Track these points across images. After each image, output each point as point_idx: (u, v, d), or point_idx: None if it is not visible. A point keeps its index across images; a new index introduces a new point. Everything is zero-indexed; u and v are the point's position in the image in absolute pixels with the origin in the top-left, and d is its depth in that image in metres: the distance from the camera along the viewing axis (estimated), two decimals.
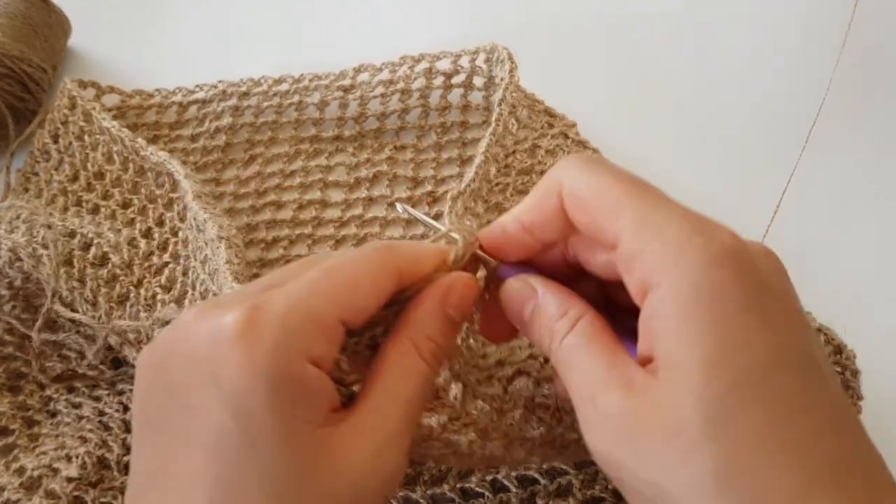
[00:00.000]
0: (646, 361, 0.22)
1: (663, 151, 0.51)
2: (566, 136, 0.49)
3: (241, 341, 0.20)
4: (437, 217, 0.47)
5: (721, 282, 0.20)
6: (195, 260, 0.40)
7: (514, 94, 0.47)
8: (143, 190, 0.46)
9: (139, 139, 0.47)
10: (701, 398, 0.20)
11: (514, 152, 0.47)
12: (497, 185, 0.46)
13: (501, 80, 0.48)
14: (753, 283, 0.21)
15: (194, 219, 0.41)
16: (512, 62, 0.48)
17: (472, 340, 0.29)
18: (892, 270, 0.45)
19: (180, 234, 0.43)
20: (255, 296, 0.22)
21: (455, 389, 0.27)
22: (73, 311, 0.38)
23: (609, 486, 0.36)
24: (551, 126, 0.50)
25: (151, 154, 0.46)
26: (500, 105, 0.46)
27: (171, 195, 0.45)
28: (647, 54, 0.57)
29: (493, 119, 0.46)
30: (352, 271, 0.23)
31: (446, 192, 0.49)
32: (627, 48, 0.57)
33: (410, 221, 0.48)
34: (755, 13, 0.59)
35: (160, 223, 0.44)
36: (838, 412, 0.21)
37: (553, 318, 0.24)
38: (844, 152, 0.50)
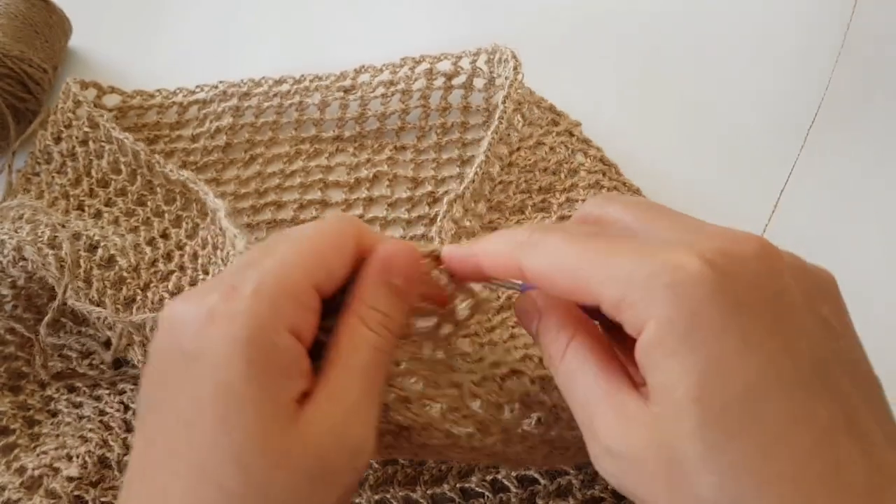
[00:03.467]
0: (641, 384, 0.22)
1: (664, 150, 0.51)
2: (571, 134, 0.49)
3: (220, 317, 0.22)
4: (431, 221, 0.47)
5: (693, 311, 0.20)
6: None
7: (519, 92, 0.48)
8: (149, 203, 0.46)
9: (157, 156, 0.47)
10: (690, 433, 0.20)
11: (518, 149, 0.47)
12: (500, 183, 0.46)
13: (505, 78, 0.48)
14: (729, 304, 0.20)
15: (225, 234, 0.41)
16: (516, 61, 0.49)
17: (468, 347, 0.30)
18: (891, 269, 0.45)
19: (187, 248, 0.43)
20: (232, 276, 0.23)
21: (451, 391, 0.27)
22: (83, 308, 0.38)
23: (609, 487, 0.36)
24: (556, 124, 0.50)
25: (171, 171, 0.45)
26: (503, 103, 0.46)
27: (179, 213, 0.45)
28: (648, 54, 0.57)
29: (496, 117, 0.46)
30: (317, 238, 0.24)
31: (446, 192, 0.49)
32: (628, 48, 0.57)
33: (410, 221, 0.48)
34: (756, 12, 0.59)
35: (164, 236, 0.44)
36: (840, 414, 0.20)
37: (551, 340, 0.25)
38: (843, 151, 0.50)
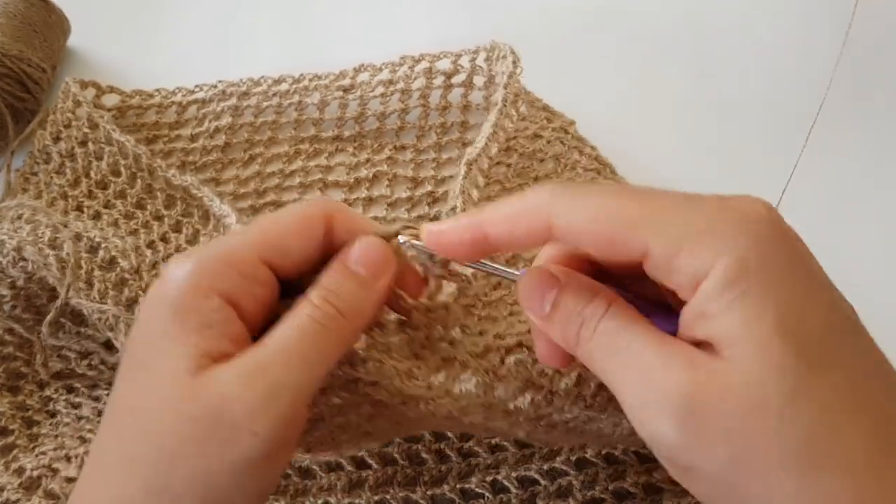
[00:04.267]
0: (692, 342, 0.21)
1: (664, 149, 0.51)
2: (566, 132, 0.49)
3: (163, 281, 0.24)
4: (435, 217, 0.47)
5: (765, 252, 0.20)
6: None
7: (516, 86, 0.47)
8: (148, 207, 0.46)
9: (159, 160, 0.46)
10: (777, 367, 0.19)
11: (515, 137, 0.47)
12: (498, 163, 0.46)
13: (503, 74, 0.48)
14: (793, 248, 0.21)
15: None
16: (515, 56, 0.48)
17: (468, 322, 0.29)
18: (892, 269, 0.45)
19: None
20: (196, 248, 0.24)
21: (439, 376, 0.26)
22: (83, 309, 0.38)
23: (609, 488, 0.35)
24: (550, 121, 0.50)
25: (173, 176, 0.45)
26: (505, 87, 0.46)
27: (179, 218, 0.45)
28: (649, 53, 0.57)
29: (500, 98, 0.45)
30: (277, 218, 0.25)
31: (446, 192, 0.49)
32: (628, 47, 0.57)
33: (410, 221, 0.48)
34: (756, 12, 0.59)
35: (164, 240, 0.44)
36: (891, 370, 0.21)
37: (581, 303, 0.23)
38: (845, 150, 0.50)
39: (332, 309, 0.24)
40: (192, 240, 0.44)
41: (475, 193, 0.40)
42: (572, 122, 0.50)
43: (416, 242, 0.26)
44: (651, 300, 0.24)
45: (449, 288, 0.27)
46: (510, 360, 0.27)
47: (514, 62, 0.48)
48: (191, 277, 0.24)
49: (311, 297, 0.24)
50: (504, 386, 0.27)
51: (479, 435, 0.37)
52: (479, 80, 0.52)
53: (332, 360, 0.25)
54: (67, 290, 0.36)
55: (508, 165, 0.46)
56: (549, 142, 0.48)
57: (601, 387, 0.26)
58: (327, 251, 0.26)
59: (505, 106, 0.45)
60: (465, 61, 0.52)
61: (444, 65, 0.52)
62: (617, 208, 0.22)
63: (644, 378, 0.21)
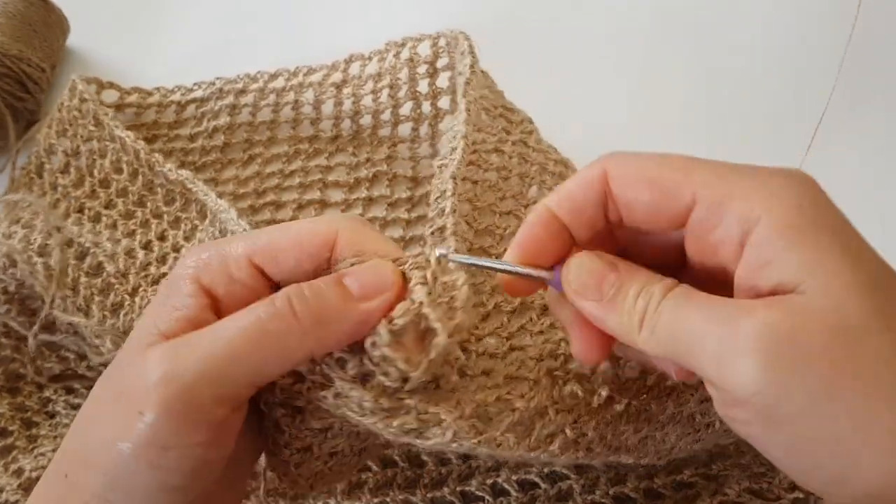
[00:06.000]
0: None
1: (666, 149, 0.50)
2: (525, 144, 0.45)
3: (180, 260, 0.26)
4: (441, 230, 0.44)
5: (820, 202, 0.21)
6: None
7: (472, 93, 0.44)
8: (148, 204, 0.46)
9: (157, 155, 0.46)
10: (856, 291, 0.20)
11: (475, 151, 0.42)
12: (463, 179, 0.40)
13: (460, 73, 0.46)
14: (836, 208, 0.22)
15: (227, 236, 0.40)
16: (473, 56, 0.46)
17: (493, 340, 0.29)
18: (893, 268, 0.45)
19: (183, 250, 0.42)
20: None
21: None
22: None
23: (609, 492, 0.35)
24: (508, 132, 0.46)
25: (169, 171, 0.45)
26: (465, 95, 0.43)
27: (178, 214, 0.45)
28: (649, 53, 0.56)
29: (464, 108, 0.43)
30: (283, 225, 0.26)
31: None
32: (628, 47, 0.57)
33: (410, 222, 0.48)
34: (759, 11, 0.59)
35: (162, 238, 0.43)
36: None
37: (646, 282, 0.23)
38: (849, 152, 0.50)
39: (288, 310, 0.23)
40: (190, 235, 0.43)
41: (466, 207, 0.38)
42: (530, 122, 0.47)
43: (460, 256, 0.25)
44: None
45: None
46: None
47: (471, 65, 0.45)
48: (186, 264, 0.25)
49: (277, 293, 0.23)
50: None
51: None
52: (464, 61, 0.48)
53: (270, 362, 0.23)
54: (52, 302, 0.36)
55: (475, 182, 0.41)
56: (510, 157, 0.43)
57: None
58: (331, 265, 0.25)
59: (469, 115, 0.42)
60: (443, 42, 0.50)
61: (425, 49, 0.50)
62: (668, 159, 0.23)
63: (721, 327, 0.21)
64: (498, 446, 0.25)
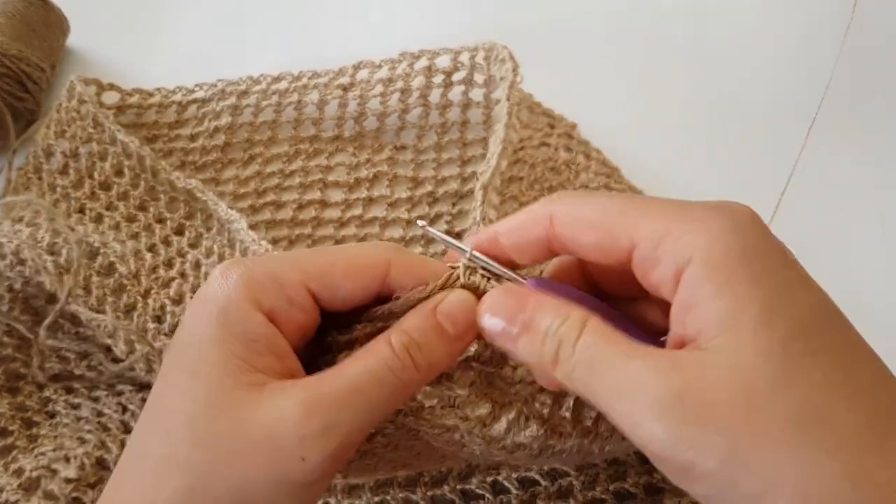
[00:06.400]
0: (680, 346, 0.22)
1: (666, 150, 0.51)
2: (570, 137, 0.48)
3: (209, 286, 0.25)
4: (458, 235, 0.46)
5: (752, 243, 0.21)
6: None
7: (516, 94, 0.47)
8: (150, 209, 0.45)
9: (163, 162, 0.46)
10: (765, 352, 0.19)
11: (522, 147, 0.47)
12: (510, 178, 0.46)
13: (502, 80, 0.48)
14: (774, 243, 0.21)
15: (235, 247, 0.41)
16: (513, 61, 0.48)
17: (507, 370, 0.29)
18: (892, 268, 0.45)
19: (189, 256, 0.42)
20: (244, 262, 0.25)
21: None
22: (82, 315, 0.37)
23: (610, 488, 0.35)
24: (552, 127, 0.49)
25: (177, 179, 0.45)
26: (508, 99, 0.45)
27: (182, 221, 0.45)
28: (649, 54, 0.57)
29: (506, 111, 0.45)
30: (333, 252, 0.26)
31: (446, 192, 0.49)
32: (628, 47, 0.57)
33: (410, 221, 0.48)
34: (756, 13, 0.59)
35: (166, 242, 0.43)
36: (880, 364, 0.21)
37: (556, 323, 0.23)
38: (845, 150, 0.50)
39: (411, 362, 0.24)
40: (195, 243, 0.43)
41: (493, 213, 0.39)
42: (574, 126, 0.50)
43: (488, 261, 0.26)
44: (642, 321, 0.25)
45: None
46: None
47: (513, 69, 0.47)
48: (239, 287, 0.24)
49: (393, 342, 0.24)
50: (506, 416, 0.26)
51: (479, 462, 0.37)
52: (479, 78, 0.51)
53: (394, 408, 0.25)
54: (68, 296, 0.36)
55: (521, 179, 0.46)
56: (556, 149, 0.47)
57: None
58: (381, 293, 0.26)
59: (510, 119, 0.44)
60: (464, 58, 0.51)
61: (444, 62, 0.51)
62: (609, 204, 0.23)
63: (630, 385, 0.21)
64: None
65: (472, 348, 0.27)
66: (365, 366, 0.24)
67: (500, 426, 0.26)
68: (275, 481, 0.23)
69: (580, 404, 0.27)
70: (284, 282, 0.24)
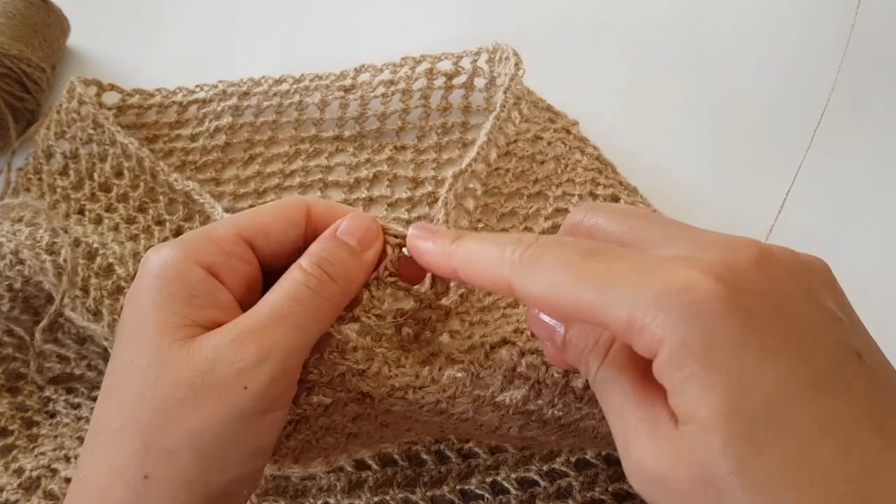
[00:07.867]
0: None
1: (667, 150, 0.51)
2: (568, 132, 0.49)
3: (144, 262, 0.26)
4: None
5: (710, 331, 0.20)
6: None
7: (518, 88, 0.47)
8: (150, 211, 0.46)
9: (162, 164, 0.46)
10: (720, 449, 0.19)
11: (515, 140, 0.47)
12: (496, 169, 0.46)
13: (505, 75, 0.48)
14: (740, 319, 0.20)
15: None
16: (517, 58, 0.48)
17: (457, 322, 0.30)
18: (895, 268, 0.45)
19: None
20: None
21: (428, 367, 0.27)
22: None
23: (609, 489, 0.35)
24: (553, 122, 0.49)
25: (175, 181, 0.45)
26: (505, 93, 0.46)
27: (181, 223, 0.45)
28: (649, 54, 0.57)
29: (498, 105, 0.46)
30: (257, 207, 0.28)
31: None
32: (630, 47, 0.57)
33: (410, 221, 0.48)
34: (759, 13, 0.59)
35: None
36: (863, 411, 0.20)
37: (585, 349, 0.24)
38: (850, 151, 0.50)
39: (324, 275, 0.25)
40: None
41: (470, 203, 0.40)
42: (575, 123, 0.50)
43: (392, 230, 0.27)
44: None
45: (453, 294, 0.28)
46: (495, 354, 0.28)
47: (516, 64, 0.48)
48: (175, 250, 0.25)
49: (303, 264, 0.25)
50: (490, 373, 0.27)
51: (474, 438, 0.37)
52: (479, 82, 0.52)
53: (324, 324, 0.26)
54: (62, 298, 0.36)
55: (507, 171, 0.46)
56: (549, 143, 0.47)
57: None
58: (308, 240, 0.27)
59: (503, 111, 0.45)
60: (466, 63, 0.52)
61: (446, 66, 0.52)
62: (570, 288, 0.22)
63: (621, 434, 0.22)
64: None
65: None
66: (283, 291, 0.25)
67: (453, 372, 0.27)
68: (226, 418, 0.24)
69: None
70: (218, 236, 0.26)
